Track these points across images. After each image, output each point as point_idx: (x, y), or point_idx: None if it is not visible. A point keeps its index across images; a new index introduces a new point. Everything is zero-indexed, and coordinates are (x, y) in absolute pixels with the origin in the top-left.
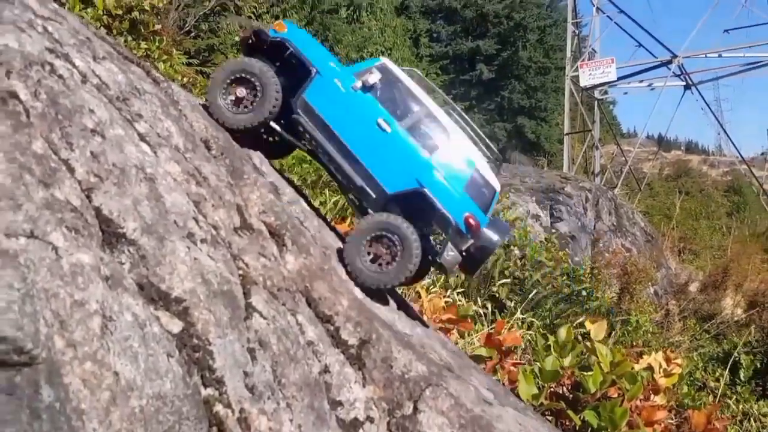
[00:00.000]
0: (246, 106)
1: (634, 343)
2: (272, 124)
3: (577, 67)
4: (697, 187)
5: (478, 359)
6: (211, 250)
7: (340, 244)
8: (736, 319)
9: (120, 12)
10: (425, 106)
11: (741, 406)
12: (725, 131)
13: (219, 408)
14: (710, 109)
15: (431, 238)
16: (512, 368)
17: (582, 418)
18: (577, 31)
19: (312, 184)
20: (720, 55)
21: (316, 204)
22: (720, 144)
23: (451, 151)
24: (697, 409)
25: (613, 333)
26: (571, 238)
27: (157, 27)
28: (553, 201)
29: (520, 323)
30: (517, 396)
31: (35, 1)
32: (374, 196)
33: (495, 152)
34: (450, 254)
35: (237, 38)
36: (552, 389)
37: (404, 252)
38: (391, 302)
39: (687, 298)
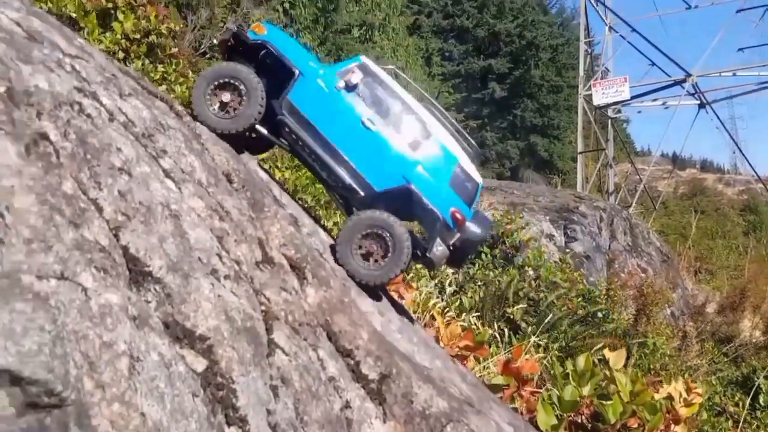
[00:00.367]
0: (234, 110)
1: (652, 367)
2: (257, 126)
3: (590, 85)
4: (713, 206)
5: (495, 388)
6: (234, 286)
7: None
8: (754, 341)
9: (138, 36)
10: (407, 103)
11: None
12: (740, 150)
13: None
14: (725, 127)
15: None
16: (530, 397)
17: None
18: (589, 50)
19: (325, 204)
20: (734, 74)
21: (329, 224)
22: (735, 162)
23: (434, 147)
24: None
25: (630, 356)
26: (585, 258)
27: (174, 50)
28: (567, 220)
29: (535, 346)
30: (536, 427)
31: (63, 39)
32: (362, 194)
33: (474, 146)
34: (439, 249)
35: (215, 41)
36: (571, 419)
37: (395, 247)
38: (413, 336)
39: (704, 319)
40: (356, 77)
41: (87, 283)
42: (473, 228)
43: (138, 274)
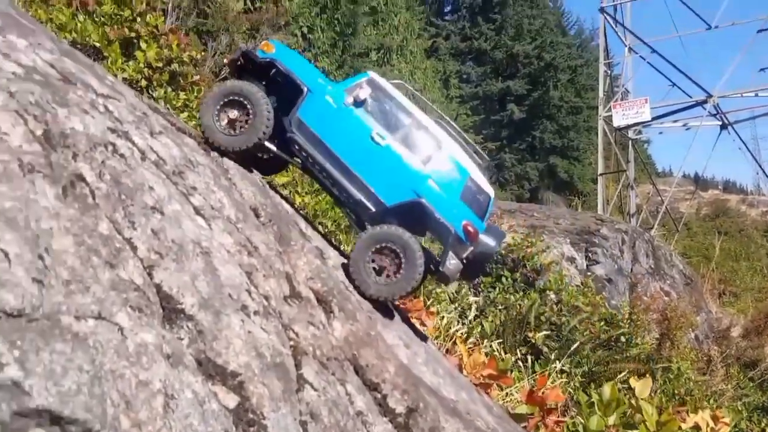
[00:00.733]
0: (240, 128)
1: (676, 392)
2: (266, 143)
3: (610, 107)
4: (736, 227)
5: (519, 417)
6: (264, 321)
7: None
8: None
9: (160, 64)
10: (415, 117)
11: None
12: (763, 170)
13: None
14: (747, 148)
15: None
16: (555, 427)
17: None
18: (609, 71)
19: (345, 229)
20: (756, 94)
21: (349, 249)
22: (758, 183)
23: (444, 160)
24: None
25: (654, 381)
26: (607, 282)
27: (196, 77)
28: (589, 243)
29: (558, 372)
30: None
31: (95, 79)
32: (373, 209)
33: (485, 159)
34: (452, 262)
35: (225, 60)
36: None
37: (408, 261)
38: (438, 367)
39: (729, 343)
40: (364, 92)
41: (123, 322)
42: (487, 240)
43: (171, 312)
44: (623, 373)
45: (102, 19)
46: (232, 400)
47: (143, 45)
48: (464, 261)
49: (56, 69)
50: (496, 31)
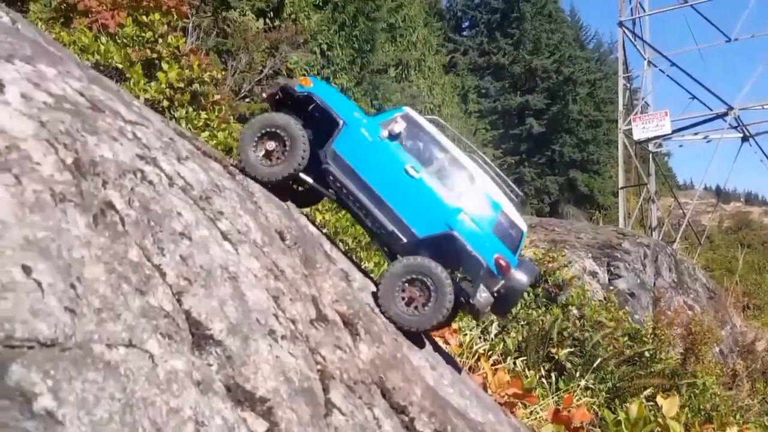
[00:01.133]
0: (277, 159)
1: (702, 407)
2: (302, 175)
3: (629, 120)
4: (759, 239)
5: None
6: (291, 346)
7: None
8: None
9: (182, 85)
10: (449, 151)
11: None
12: None
13: None
14: None
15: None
16: None
17: None
18: (628, 85)
19: (366, 246)
20: None
21: (370, 265)
22: None
23: (477, 194)
24: None
25: (680, 397)
26: (630, 296)
27: (217, 97)
28: (611, 257)
29: (583, 389)
30: None
31: (123, 105)
32: (405, 240)
33: (518, 193)
34: (483, 296)
35: (264, 94)
36: None
37: (438, 294)
38: (465, 389)
39: (755, 357)
40: (399, 126)
41: (153, 349)
42: (518, 275)
43: (200, 338)
44: (648, 389)
45: (124, 40)
46: (261, 426)
47: (165, 66)
48: (495, 295)
49: (85, 97)
50: (515, 45)
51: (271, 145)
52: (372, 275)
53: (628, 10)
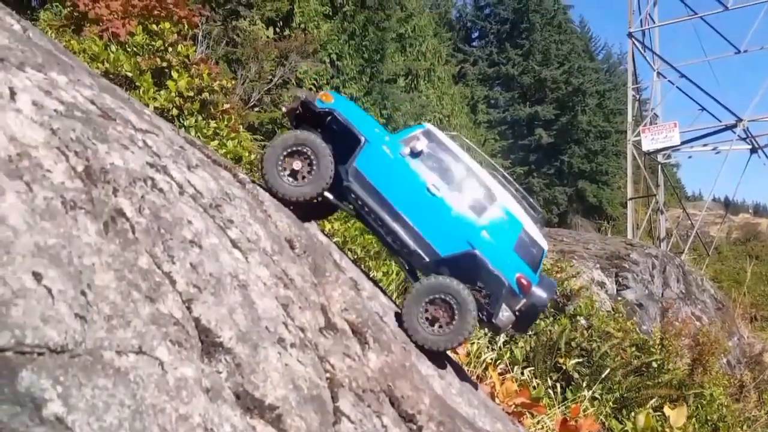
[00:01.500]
0: (303, 178)
1: (709, 418)
2: (326, 193)
3: (638, 131)
4: (767, 250)
5: None
6: (300, 354)
7: None
8: None
9: (191, 93)
10: (471, 169)
11: None
12: None
13: None
14: None
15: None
16: None
17: None
18: (637, 96)
19: (374, 255)
20: None
21: (378, 275)
22: None
23: (499, 212)
24: None
25: (687, 407)
26: (638, 307)
27: (226, 106)
28: (619, 268)
29: (590, 399)
30: None
31: (134, 114)
32: (426, 259)
33: (539, 211)
34: (504, 314)
35: (283, 109)
36: None
37: (461, 313)
38: (473, 398)
39: (762, 369)
40: (421, 144)
41: (163, 356)
42: (539, 293)
43: (210, 345)
44: (655, 400)
45: (134, 49)
46: None
47: (174, 74)
48: (516, 313)
49: (96, 105)
50: (524, 56)
51: (297, 164)
52: (381, 284)
53: (637, 22)
